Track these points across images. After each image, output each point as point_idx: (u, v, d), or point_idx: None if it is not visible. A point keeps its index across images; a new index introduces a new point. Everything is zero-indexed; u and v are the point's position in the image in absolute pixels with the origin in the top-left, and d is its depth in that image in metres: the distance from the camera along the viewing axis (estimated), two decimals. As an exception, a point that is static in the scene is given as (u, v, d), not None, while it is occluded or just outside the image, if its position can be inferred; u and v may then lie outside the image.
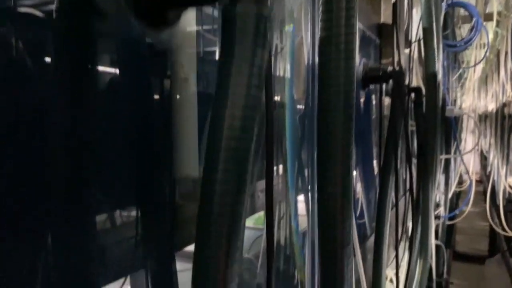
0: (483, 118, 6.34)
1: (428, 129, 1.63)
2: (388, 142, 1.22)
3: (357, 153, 1.34)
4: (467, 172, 2.72)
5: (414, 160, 1.78)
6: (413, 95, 1.60)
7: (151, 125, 0.59)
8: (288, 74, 1.15)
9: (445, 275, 3.55)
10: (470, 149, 3.45)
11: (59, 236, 0.48)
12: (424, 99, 1.61)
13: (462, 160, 2.84)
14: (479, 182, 8.78)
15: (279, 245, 1.10)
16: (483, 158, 7.30)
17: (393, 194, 1.24)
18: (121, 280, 0.66)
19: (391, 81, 1.21)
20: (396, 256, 1.26)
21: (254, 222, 1.11)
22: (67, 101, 0.47)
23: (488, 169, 5.20)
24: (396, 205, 1.24)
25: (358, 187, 1.30)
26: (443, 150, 2.65)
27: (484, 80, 6.01)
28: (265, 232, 0.44)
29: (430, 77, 1.36)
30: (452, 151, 2.72)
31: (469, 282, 5.18)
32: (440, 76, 1.57)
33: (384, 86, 1.62)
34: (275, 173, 1.06)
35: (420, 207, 1.55)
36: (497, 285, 4.38)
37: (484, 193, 8.05)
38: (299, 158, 1.11)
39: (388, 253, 1.53)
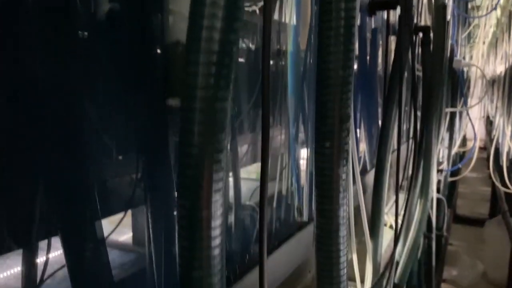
0: (491, 83, 6.25)
1: (434, 71, 1.59)
2: (393, 74, 1.18)
3: (361, 88, 1.31)
4: (472, 125, 2.68)
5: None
6: (420, 35, 1.56)
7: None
8: (293, 21, 1.10)
9: (445, 233, 3.58)
10: (477, 101, 3.40)
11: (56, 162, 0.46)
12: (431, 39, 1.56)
13: (467, 114, 2.79)
14: (483, 149, 8.77)
15: (281, 194, 1.09)
16: (489, 124, 7.25)
17: (395, 129, 1.22)
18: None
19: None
20: (396, 198, 1.24)
21: (257, 175, 1.10)
22: None
23: (494, 133, 5.16)
24: (399, 139, 1.21)
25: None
26: (449, 104, 2.61)
27: (494, 44, 5.87)
28: (260, 183, 0.42)
29: (439, 9, 1.30)
30: (459, 105, 2.68)
31: (468, 243, 5.24)
32: (449, 15, 1.52)
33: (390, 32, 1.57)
34: (279, 125, 1.04)
35: (422, 148, 1.53)
36: (496, 245, 4.42)
37: (488, 159, 8.06)
38: (302, 110, 1.08)
39: (388, 194, 1.52)
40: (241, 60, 0.92)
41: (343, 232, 0.52)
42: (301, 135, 1.06)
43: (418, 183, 1.55)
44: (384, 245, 1.34)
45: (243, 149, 0.99)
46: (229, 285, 0.56)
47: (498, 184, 3.14)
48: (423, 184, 1.54)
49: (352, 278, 1.17)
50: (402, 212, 1.63)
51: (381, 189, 1.19)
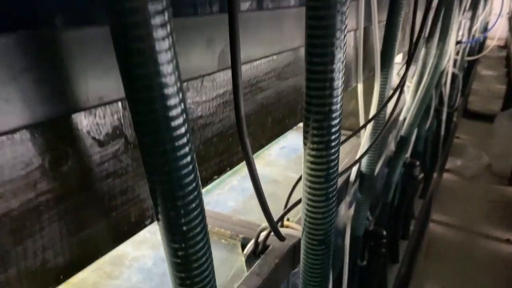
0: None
1: None
2: None
3: None
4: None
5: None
6: None
7: None
8: None
9: (454, 118, 3.48)
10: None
11: None
12: None
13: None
14: (502, 47, 8.41)
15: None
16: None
17: None
18: None
19: None
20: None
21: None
22: None
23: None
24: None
25: None
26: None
27: None
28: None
29: None
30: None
31: (476, 137, 5.20)
32: None
33: None
34: None
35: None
36: (504, 137, 4.37)
37: (507, 58, 7.72)
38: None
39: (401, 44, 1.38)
40: None
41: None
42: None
43: (437, 32, 1.40)
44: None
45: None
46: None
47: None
48: (442, 31, 1.39)
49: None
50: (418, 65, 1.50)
51: (397, 15, 1.05)
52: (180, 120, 0.31)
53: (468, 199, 3.99)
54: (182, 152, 0.32)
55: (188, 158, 0.33)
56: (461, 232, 3.52)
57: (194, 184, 0.34)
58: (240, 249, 0.82)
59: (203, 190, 0.46)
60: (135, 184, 0.40)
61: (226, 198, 1.02)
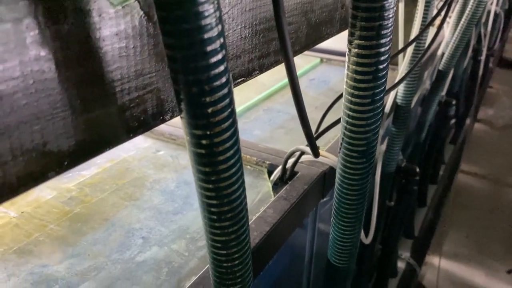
0: None
1: None
2: None
3: None
4: None
5: None
6: None
7: None
8: None
9: (490, 64, 3.30)
10: None
11: None
12: None
13: None
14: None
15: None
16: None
17: None
18: None
19: None
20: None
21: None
22: None
23: None
24: None
25: None
26: None
27: None
28: None
29: None
30: None
31: (510, 87, 4.97)
32: None
33: None
34: None
35: None
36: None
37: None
38: None
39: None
40: None
41: None
42: None
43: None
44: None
45: None
46: None
47: None
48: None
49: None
50: None
51: None
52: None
53: (498, 150, 3.86)
54: (206, 6, 0.26)
55: (212, 19, 0.26)
56: (489, 182, 3.42)
57: (219, 56, 0.28)
58: (266, 175, 0.78)
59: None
60: (151, 68, 0.34)
61: (251, 127, 0.96)
